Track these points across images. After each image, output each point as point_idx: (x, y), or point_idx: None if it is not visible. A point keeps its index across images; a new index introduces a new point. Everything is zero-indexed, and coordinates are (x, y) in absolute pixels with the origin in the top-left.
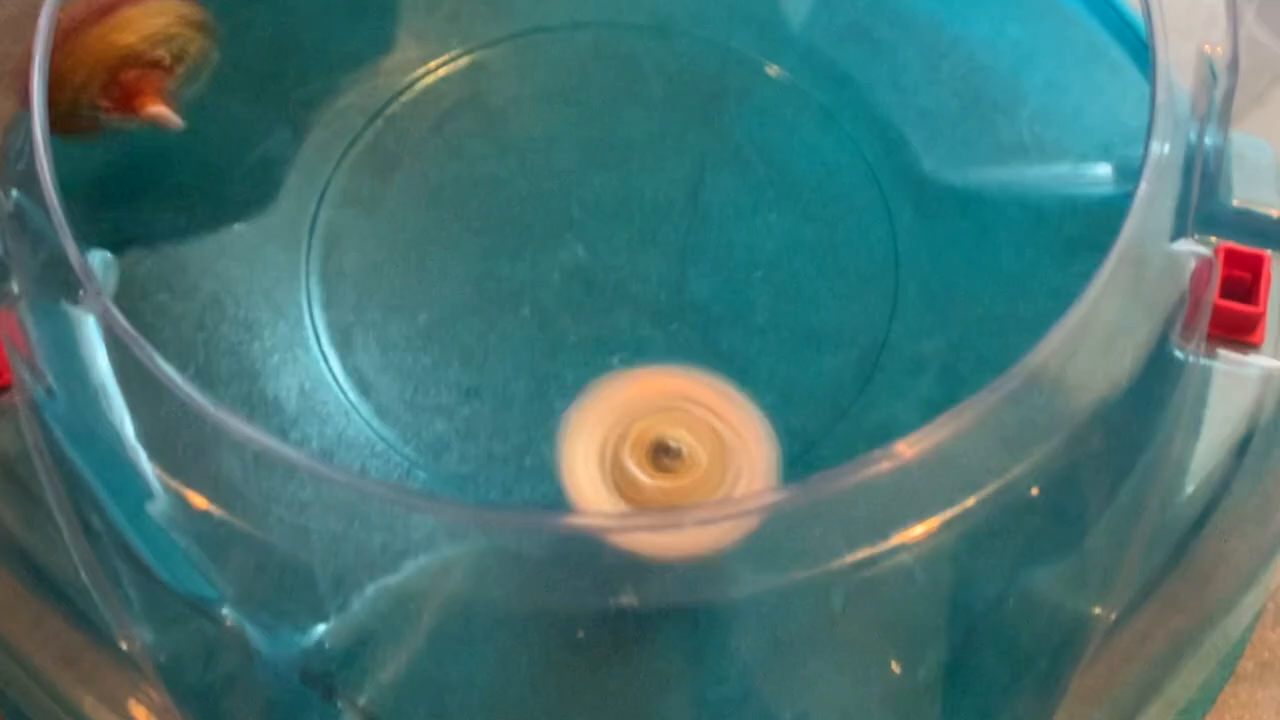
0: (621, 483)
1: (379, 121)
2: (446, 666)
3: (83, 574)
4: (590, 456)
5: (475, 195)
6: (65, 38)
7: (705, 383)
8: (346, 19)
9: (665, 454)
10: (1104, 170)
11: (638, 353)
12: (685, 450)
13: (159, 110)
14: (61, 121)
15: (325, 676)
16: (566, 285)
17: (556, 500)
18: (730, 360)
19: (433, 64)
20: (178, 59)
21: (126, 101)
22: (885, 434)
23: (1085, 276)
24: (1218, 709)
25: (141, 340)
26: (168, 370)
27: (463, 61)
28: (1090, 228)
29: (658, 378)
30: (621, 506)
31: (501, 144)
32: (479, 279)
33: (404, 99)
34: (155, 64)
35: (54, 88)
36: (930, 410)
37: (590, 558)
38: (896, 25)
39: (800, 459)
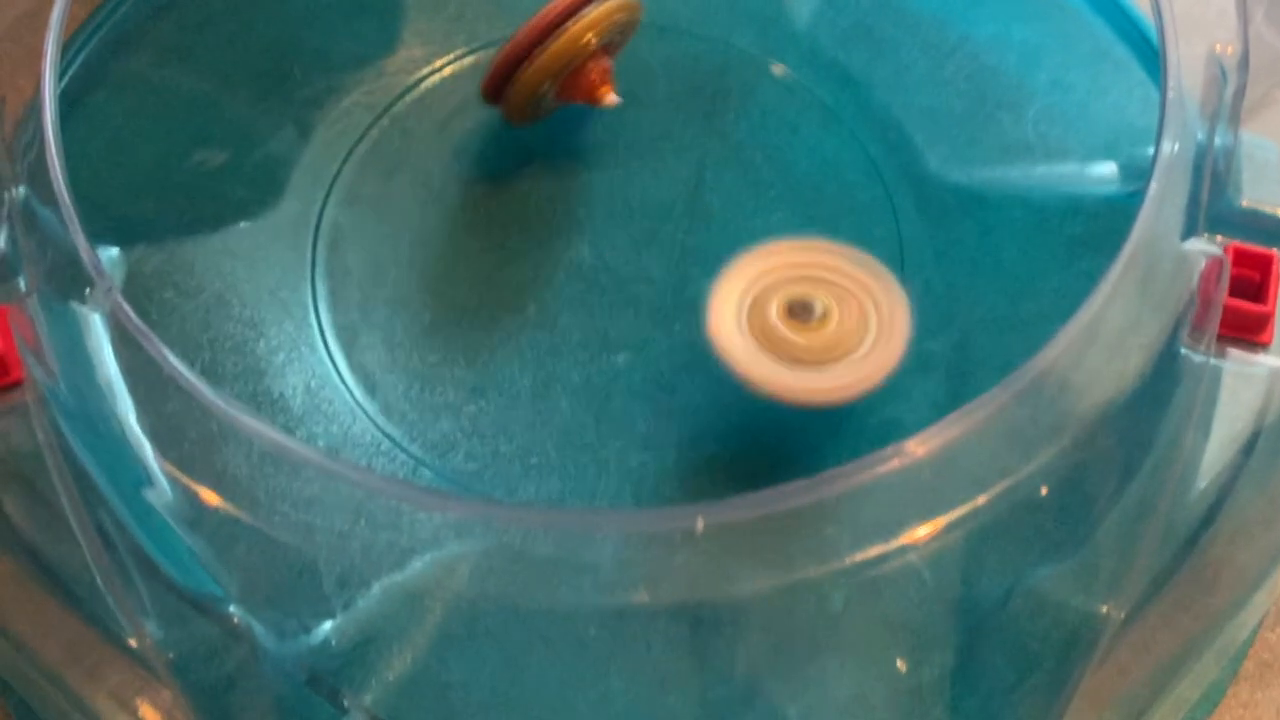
0: (761, 332)
1: (384, 120)
2: (451, 664)
3: (93, 571)
4: (734, 309)
5: (478, 194)
6: (530, 45)
7: (857, 258)
8: (351, 18)
9: (803, 312)
10: (1109, 170)
11: (640, 352)
12: (822, 310)
13: (614, 99)
14: (514, 115)
15: (331, 677)
16: (570, 284)
17: (562, 498)
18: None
19: (437, 63)
20: (622, 39)
21: (585, 94)
22: (889, 434)
23: (1090, 276)
24: (1218, 709)
25: (153, 336)
26: (179, 366)
27: (467, 61)
28: (1095, 227)
29: (810, 249)
30: (760, 353)
31: (504, 143)
32: (483, 278)
33: (409, 98)
34: (606, 52)
35: (516, 91)
36: (934, 410)
37: (598, 556)
38: (901, 24)
39: (804, 459)
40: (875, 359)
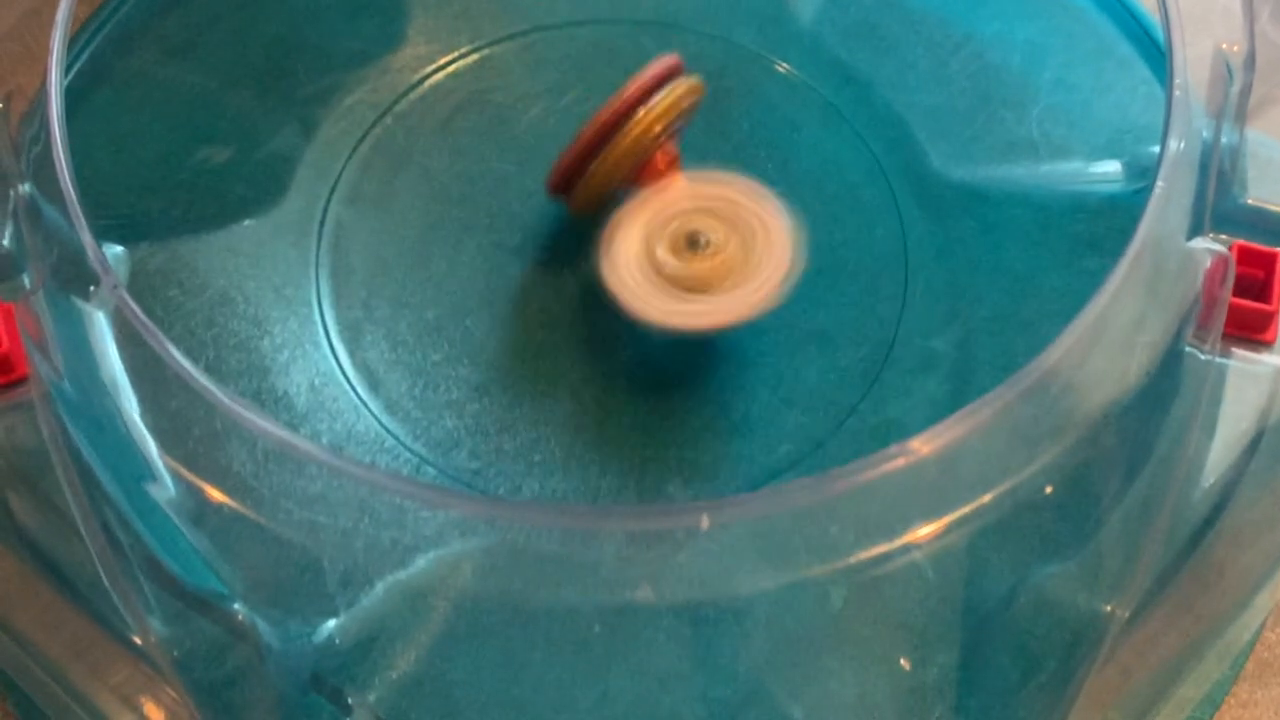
0: (654, 267)
1: (388, 118)
2: (455, 662)
3: (97, 568)
4: (629, 248)
5: (482, 191)
6: (597, 141)
7: (740, 185)
8: (355, 16)
9: (694, 244)
10: (1113, 168)
11: (641, 350)
12: (712, 240)
13: (684, 183)
14: (582, 210)
15: (334, 675)
16: (573, 283)
17: (567, 495)
18: (734, 358)
19: (441, 61)
20: (687, 121)
21: (654, 180)
22: (892, 433)
23: (1093, 275)
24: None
25: (158, 333)
26: (184, 363)
27: (471, 58)
28: (1099, 226)
29: (696, 182)
30: (654, 286)
31: (508, 141)
32: (486, 275)
33: (413, 96)
34: (673, 136)
35: (586, 190)
36: (937, 409)
37: (601, 553)
38: (904, 22)
39: (807, 458)
40: (762, 277)
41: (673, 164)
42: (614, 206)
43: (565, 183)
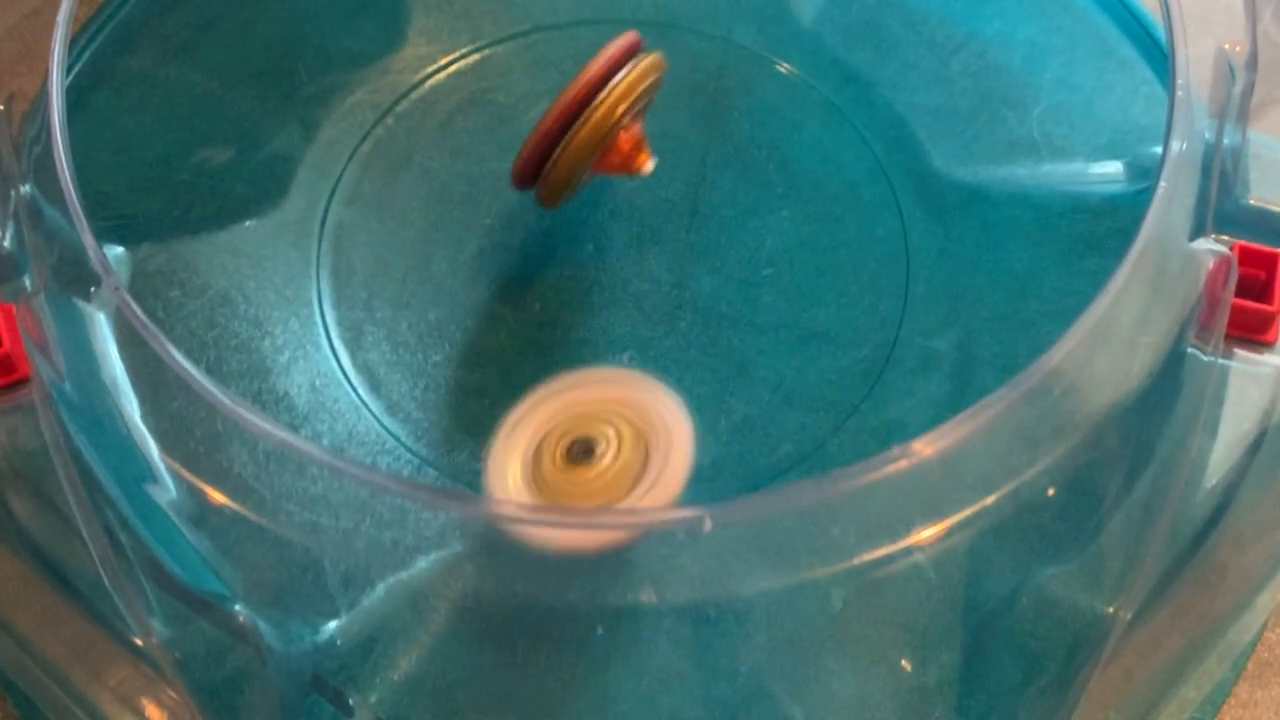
0: (539, 480)
1: (389, 118)
2: (456, 663)
3: (98, 569)
4: (515, 460)
5: (483, 192)
6: (560, 128)
7: (634, 383)
8: (356, 16)
9: (583, 453)
10: (1115, 168)
11: (643, 351)
12: (601, 447)
13: (652, 164)
14: (550, 200)
15: (335, 676)
16: (573, 282)
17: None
18: (734, 359)
19: (441, 61)
20: (650, 100)
21: (621, 166)
22: (894, 433)
23: (1094, 275)
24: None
25: (159, 334)
26: (185, 364)
27: (471, 59)
28: (1100, 226)
29: (588, 382)
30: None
31: (509, 141)
32: (487, 276)
33: (413, 96)
34: (637, 116)
35: (551, 178)
36: (938, 409)
37: (604, 554)
38: (905, 22)
39: (809, 458)
40: (658, 490)
41: (638, 145)
42: (502, 412)
43: (530, 174)
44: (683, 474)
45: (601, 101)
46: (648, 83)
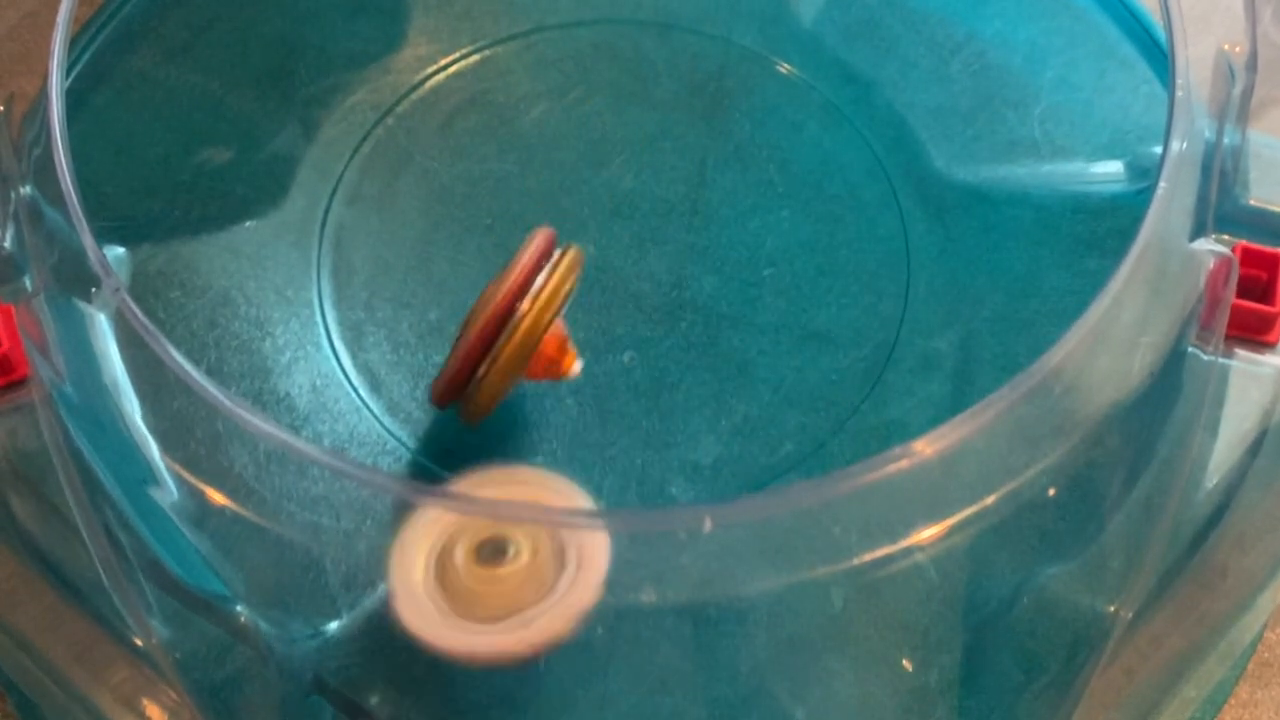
0: (448, 584)
1: (389, 119)
2: (457, 664)
3: (98, 570)
4: (422, 554)
5: (483, 192)
6: (485, 345)
7: (556, 487)
8: (356, 17)
9: (494, 553)
10: (1115, 168)
11: (643, 351)
12: (513, 549)
13: (579, 366)
14: (475, 417)
15: (336, 677)
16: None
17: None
18: (735, 359)
19: (442, 61)
20: (569, 301)
21: (546, 372)
22: (894, 433)
23: (1094, 275)
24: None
25: (159, 335)
26: (185, 365)
27: (471, 59)
28: (1100, 226)
29: (509, 482)
30: (446, 609)
31: (509, 141)
32: (487, 276)
33: (414, 96)
34: (561, 315)
35: (479, 397)
36: (938, 409)
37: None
38: (906, 22)
39: (809, 458)
40: (570, 599)
41: (562, 346)
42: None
43: (452, 395)
44: (596, 586)
45: (525, 314)
46: (570, 283)
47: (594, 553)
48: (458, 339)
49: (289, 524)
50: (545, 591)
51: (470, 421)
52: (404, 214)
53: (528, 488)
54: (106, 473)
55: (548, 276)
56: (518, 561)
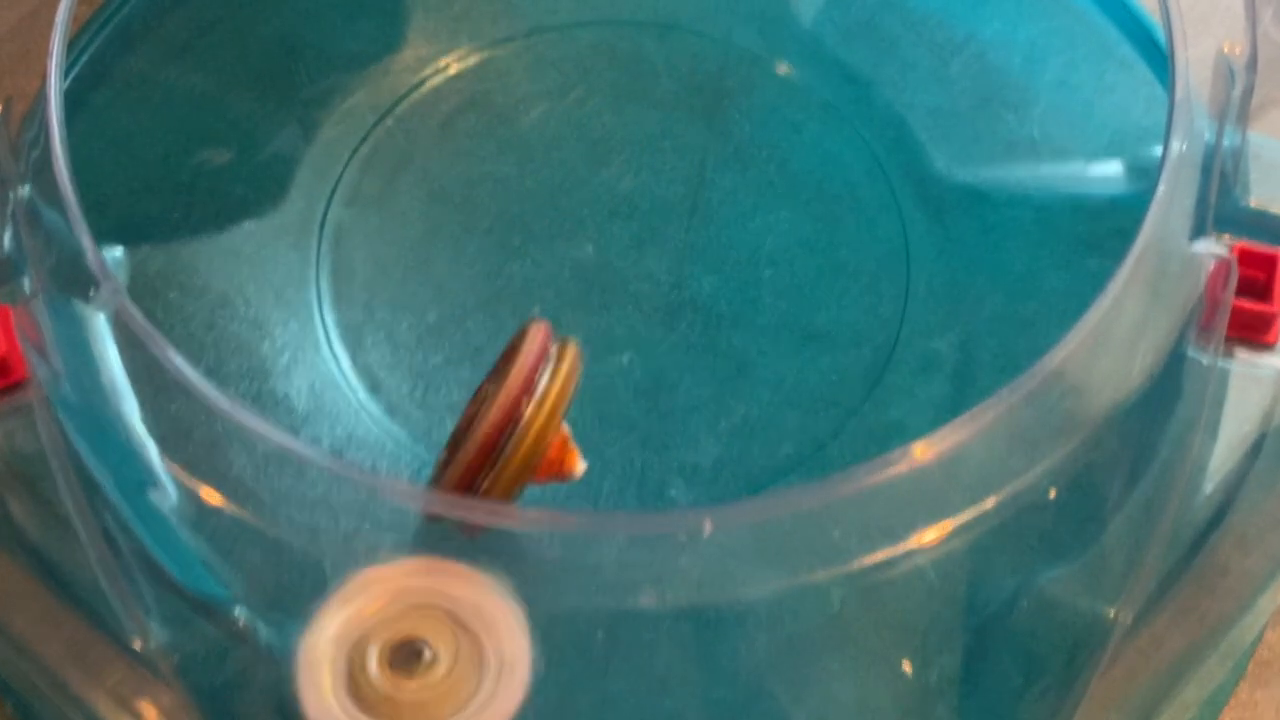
0: (362, 691)
1: (388, 120)
2: None
3: (96, 572)
4: (329, 660)
5: (482, 193)
6: (487, 456)
7: (456, 575)
8: (356, 17)
9: (409, 656)
10: (1114, 169)
11: (642, 351)
12: (429, 654)
13: (583, 466)
14: (475, 530)
15: None
16: (573, 283)
17: (567, 500)
18: (735, 359)
19: (441, 62)
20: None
21: (550, 475)
22: (894, 434)
23: (1094, 276)
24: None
25: (158, 336)
26: (184, 367)
27: (471, 60)
28: (1100, 227)
29: (404, 576)
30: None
31: (509, 142)
32: (487, 277)
33: (413, 97)
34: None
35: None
36: (938, 411)
37: (602, 557)
38: (905, 22)
39: (808, 460)
40: (492, 711)
41: (565, 446)
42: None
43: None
44: (519, 694)
45: (530, 423)
46: (575, 381)
47: (516, 655)
48: (456, 439)
49: (288, 526)
50: (463, 702)
51: (470, 534)
52: (403, 215)
53: (454, 580)
54: (105, 474)
55: (551, 378)
56: (434, 670)
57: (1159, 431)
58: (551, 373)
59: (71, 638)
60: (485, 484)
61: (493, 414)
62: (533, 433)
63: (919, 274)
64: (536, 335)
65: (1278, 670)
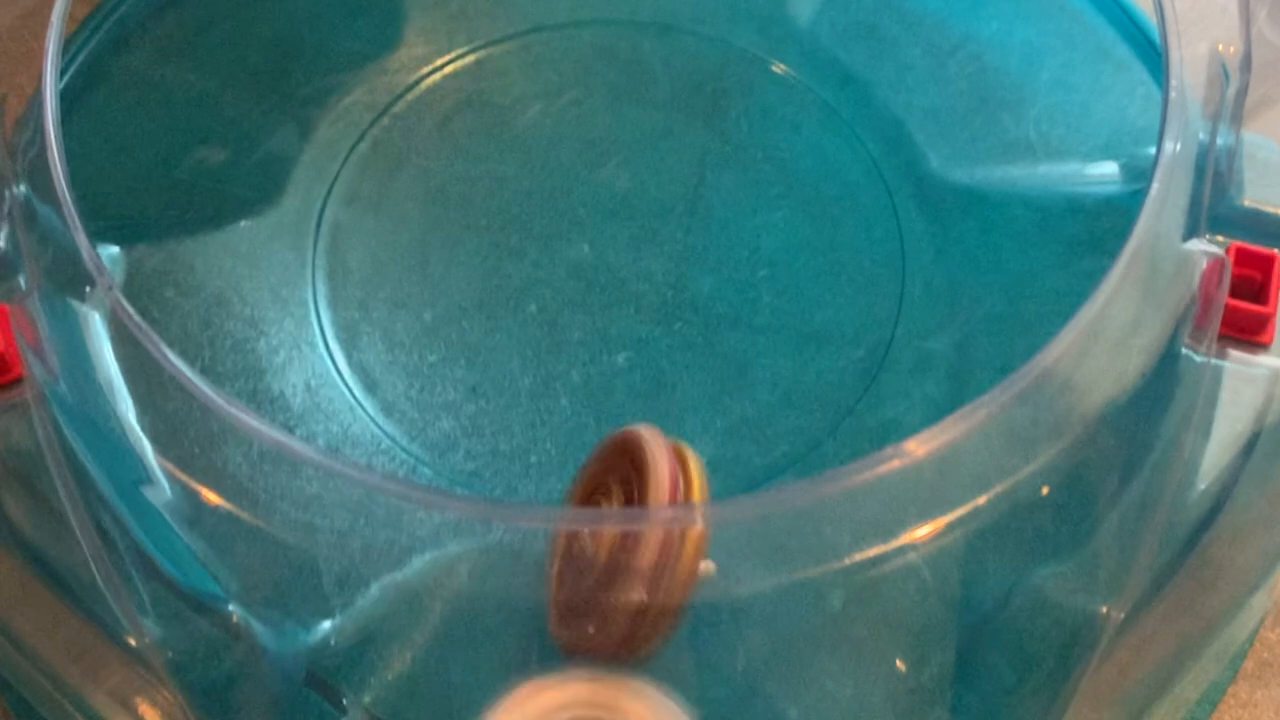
0: None
1: (385, 119)
2: (451, 663)
3: (92, 570)
4: None
5: (480, 193)
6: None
7: (630, 689)
8: (353, 17)
9: None
10: (1111, 169)
11: (640, 351)
12: None
13: (713, 567)
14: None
15: (330, 676)
16: (570, 283)
17: (562, 497)
18: (732, 359)
19: (438, 62)
20: None
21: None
22: (890, 433)
23: (1090, 276)
24: (1217, 708)
25: (153, 335)
26: (179, 365)
27: (468, 59)
28: (1096, 227)
29: (577, 685)
30: None
31: (506, 142)
32: (484, 276)
33: (409, 97)
34: None
35: (645, 650)
36: (935, 410)
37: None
38: (902, 23)
39: (804, 458)
40: None
41: (700, 545)
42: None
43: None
44: None
45: (675, 571)
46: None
47: None
48: (575, 566)
49: (282, 524)
50: None
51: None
52: (400, 214)
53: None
54: (100, 472)
55: (686, 488)
56: None
57: (1152, 430)
58: (684, 485)
59: (68, 635)
60: (647, 638)
61: (650, 550)
62: (683, 583)
63: (916, 274)
64: (652, 445)
65: (1278, 670)
